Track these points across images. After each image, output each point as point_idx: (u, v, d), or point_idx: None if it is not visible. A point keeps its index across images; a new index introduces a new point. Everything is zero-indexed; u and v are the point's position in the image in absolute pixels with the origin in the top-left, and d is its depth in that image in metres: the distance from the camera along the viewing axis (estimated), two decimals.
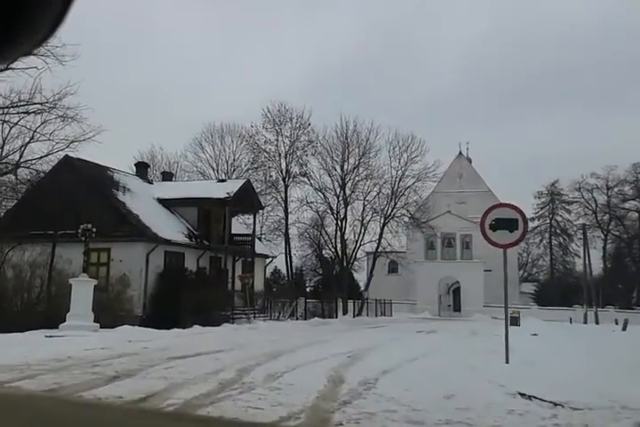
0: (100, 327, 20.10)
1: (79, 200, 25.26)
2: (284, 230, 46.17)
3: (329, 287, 48.14)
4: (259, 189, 41.11)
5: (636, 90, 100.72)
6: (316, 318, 33.64)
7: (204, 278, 28.82)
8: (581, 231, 76.70)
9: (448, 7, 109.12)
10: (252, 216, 36.00)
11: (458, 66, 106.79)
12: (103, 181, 29.49)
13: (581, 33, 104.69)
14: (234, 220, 40.92)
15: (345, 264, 45.72)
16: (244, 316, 29.23)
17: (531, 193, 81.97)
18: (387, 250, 48.05)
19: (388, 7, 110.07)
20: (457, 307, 59.91)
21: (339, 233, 45.54)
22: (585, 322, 49.43)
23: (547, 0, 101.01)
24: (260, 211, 46.08)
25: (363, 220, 45.10)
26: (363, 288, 76.93)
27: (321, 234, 47.26)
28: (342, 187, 44.65)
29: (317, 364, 12.00)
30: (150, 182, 34.86)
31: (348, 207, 45.37)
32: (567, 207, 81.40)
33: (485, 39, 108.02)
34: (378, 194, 44.93)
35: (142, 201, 30.58)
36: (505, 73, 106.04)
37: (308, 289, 71.20)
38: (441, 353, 15.54)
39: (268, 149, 45.80)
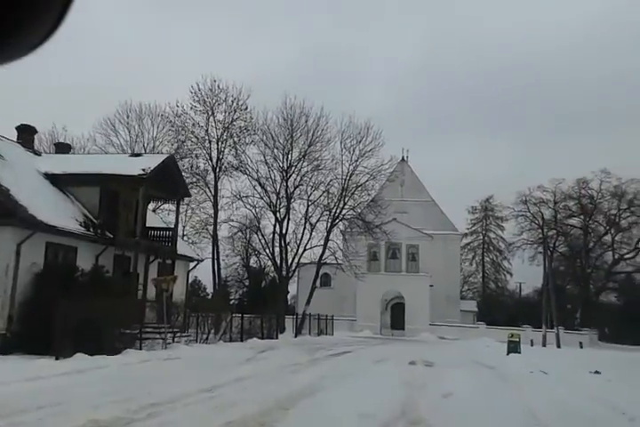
0: None
1: None
2: (212, 231, 37.12)
3: (260, 301, 39.51)
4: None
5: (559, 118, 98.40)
6: (254, 340, 24.91)
7: (103, 283, 19.65)
8: (514, 248, 72.34)
9: (379, 42, 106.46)
10: (174, 206, 26.98)
11: (390, 92, 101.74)
12: None
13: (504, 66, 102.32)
14: (152, 212, 31.74)
15: (286, 273, 37.12)
16: (158, 336, 20.18)
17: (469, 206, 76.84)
18: (330, 258, 39.86)
19: (323, 34, 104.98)
20: (396, 324, 52.25)
21: (277, 236, 36.99)
22: (544, 344, 43.32)
23: (473, 35, 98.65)
24: (187, 204, 37.04)
25: (307, 220, 36.86)
26: (292, 302, 68.76)
27: (257, 235, 38.54)
28: (285, 179, 36.32)
29: None
30: (37, 154, 25.29)
31: (291, 205, 37.05)
32: (501, 224, 76.76)
33: (415, 70, 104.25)
34: (326, 191, 36.91)
35: (21, 174, 21.17)
36: (436, 100, 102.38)
37: (231, 303, 62.14)
38: None
39: (196, 134, 36.88)
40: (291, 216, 37.11)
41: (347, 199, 37.17)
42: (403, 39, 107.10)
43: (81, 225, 21.29)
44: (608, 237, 63.22)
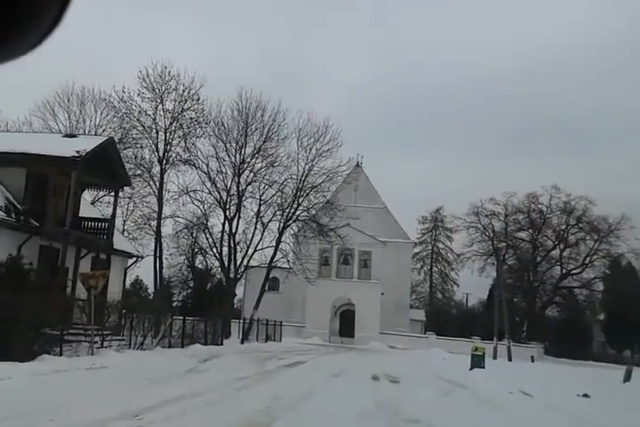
0: None
1: None
2: (155, 227, 34.12)
3: (205, 303, 36.70)
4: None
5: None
6: (197, 346, 22.23)
7: (21, 276, 16.75)
8: (464, 259, 71.65)
9: (334, 58, 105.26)
10: (112, 195, 24.13)
11: (345, 100, 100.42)
12: None
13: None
14: (90, 204, 28.72)
15: (234, 275, 34.41)
16: (84, 340, 17.34)
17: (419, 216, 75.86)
18: (280, 262, 37.46)
19: (281, 40, 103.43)
20: (346, 332, 50.16)
21: (226, 235, 34.31)
22: (495, 357, 42.02)
23: (421, 54, 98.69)
24: (129, 198, 34.02)
25: (259, 219, 34.32)
26: (238, 305, 65.73)
27: (205, 233, 35.70)
28: (237, 175, 33.75)
29: None
30: None
31: (243, 203, 34.47)
32: (450, 235, 76.01)
33: (371, 80, 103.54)
34: (280, 190, 34.52)
35: None
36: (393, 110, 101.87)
37: (174, 304, 58.82)
38: None
39: (142, 123, 33.87)
40: (242, 215, 34.62)
41: (301, 200, 34.90)
42: (362, 49, 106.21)
43: (1, 210, 18.34)
44: (556, 252, 63.05)
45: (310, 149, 34.70)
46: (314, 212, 36.09)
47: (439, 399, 11.64)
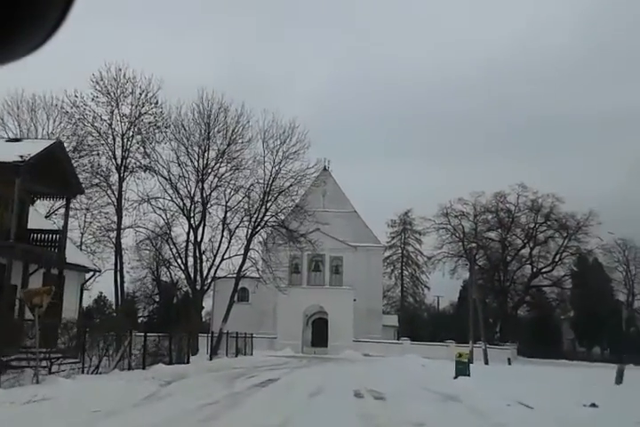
0: None
1: None
2: (114, 239, 31.98)
3: (173, 318, 34.69)
4: (83, 182, 27.08)
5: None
6: (160, 366, 20.27)
7: None
8: (435, 261, 70.61)
9: (300, 62, 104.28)
10: (63, 205, 22.09)
11: (312, 104, 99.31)
12: None
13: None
14: (44, 218, 26.52)
15: (200, 286, 32.40)
16: (32, 364, 15.30)
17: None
18: (249, 271, 35.65)
19: (245, 46, 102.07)
20: (319, 341, 48.45)
21: (191, 245, 32.34)
22: (471, 361, 40.76)
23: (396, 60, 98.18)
24: (86, 209, 31.89)
25: (225, 226, 32.42)
26: (207, 318, 63.25)
27: (168, 243, 33.63)
28: (201, 181, 31.86)
29: None
30: None
31: (208, 210, 32.58)
32: (420, 238, 75.06)
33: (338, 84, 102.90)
34: (247, 195, 32.73)
35: None
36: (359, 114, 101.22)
37: (140, 320, 56.25)
38: None
39: (98, 129, 31.82)
40: (207, 222, 32.69)
41: (269, 205, 33.18)
42: (327, 55, 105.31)
43: None
44: (526, 251, 62.59)
45: (277, 152, 33.11)
46: (283, 217, 34.40)
47: (436, 419, 10.12)
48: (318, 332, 48.60)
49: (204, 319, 65.08)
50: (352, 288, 47.68)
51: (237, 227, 32.23)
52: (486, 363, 40.17)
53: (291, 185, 33.75)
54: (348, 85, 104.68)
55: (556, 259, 61.11)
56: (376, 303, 55.58)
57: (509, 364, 39.60)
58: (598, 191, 74.94)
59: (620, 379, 18.18)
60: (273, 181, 33.28)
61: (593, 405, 11.14)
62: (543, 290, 63.91)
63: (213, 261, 31.86)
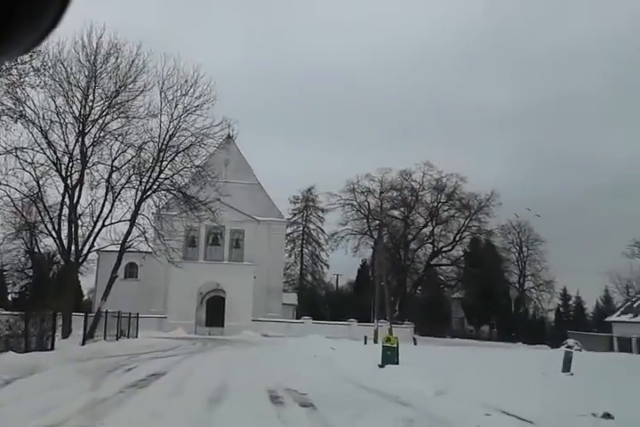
0: None
1: None
2: None
3: (49, 295, 29.10)
4: None
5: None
6: (10, 354, 15.31)
7: None
8: (338, 238, 67.95)
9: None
10: None
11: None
12: None
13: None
14: None
15: (75, 258, 26.94)
16: None
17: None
18: (138, 242, 30.53)
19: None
20: (214, 321, 44.05)
21: (67, 210, 26.76)
22: (376, 341, 38.40)
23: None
24: None
25: (111, 188, 27.10)
26: (90, 297, 56.69)
27: (36, 206, 27.72)
28: (82, 134, 26.29)
29: None
30: None
31: (89, 170, 27.05)
32: (322, 215, 72.31)
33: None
34: (137, 155, 27.57)
35: None
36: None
37: (10, 297, 49.15)
38: None
39: None
40: (87, 184, 27.19)
41: (164, 165, 28.26)
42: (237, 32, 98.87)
43: None
44: (428, 230, 61.43)
45: (176, 104, 28.06)
46: (181, 181, 29.48)
47: None
48: (214, 311, 44.22)
49: (86, 297, 58.67)
50: (253, 264, 43.65)
51: (124, 188, 26.97)
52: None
53: (191, 144, 28.94)
54: (262, 59, 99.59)
55: (457, 238, 60.39)
56: (276, 281, 51.96)
57: (415, 344, 37.33)
58: (498, 174, 75.62)
59: (567, 366, 15.61)
60: (170, 138, 28.34)
61: (607, 415, 7.97)
62: (440, 269, 63.19)
63: (93, 228, 26.52)
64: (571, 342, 37.85)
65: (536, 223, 59.61)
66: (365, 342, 36.29)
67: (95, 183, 26.22)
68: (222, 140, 43.96)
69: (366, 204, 60.52)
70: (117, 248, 29.33)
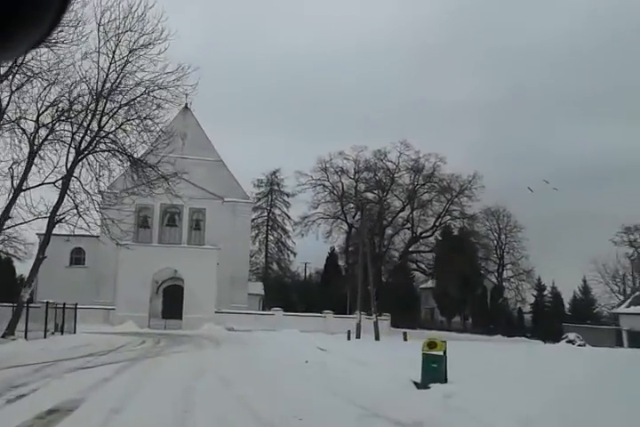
0: None
1: None
2: None
3: None
4: None
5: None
6: None
7: None
8: (309, 222, 62.28)
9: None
10: None
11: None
12: None
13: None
14: None
15: None
16: None
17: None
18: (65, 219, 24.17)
19: None
20: (171, 313, 38.04)
21: None
22: (358, 336, 33.30)
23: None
24: None
25: (34, 147, 20.82)
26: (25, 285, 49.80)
27: None
28: None
29: None
30: None
31: (5, 126, 20.77)
32: (287, 200, 66.63)
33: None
34: (70, 108, 21.33)
35: None
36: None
37: None
38: None
39: None
40: (7, 140, 20.87)
41: (104, 119, 22.11)
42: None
43: None
44: (406, 214, 56.40)
45: (119, 42, 21.85)
46: (129, 141, 23.33)
47: None
48: (171, 302, 38.27)
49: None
50: (216, 248, 37.77)
51: (46, 140, 20.61)
52: (377, 338, 32.81)
53: (140, 95, 22.86)
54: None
55: (437, 224, 55.53)
56: (242, 268, 46.22)
57: (405, 339, 31.98)
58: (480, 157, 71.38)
59: None
60: (112, 85, 22.20)
61: None
62: (421, 256, 58.33)
63: (10, 193, 20.20)
64: (572, 335, 33.60)
65: (514, 209, 55.61)
66: (349, 338, 31.08)
67: (12, 142, 19.85)
68: (179, 110, 37.84)
69: (340, 185, 55.10)
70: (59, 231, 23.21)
